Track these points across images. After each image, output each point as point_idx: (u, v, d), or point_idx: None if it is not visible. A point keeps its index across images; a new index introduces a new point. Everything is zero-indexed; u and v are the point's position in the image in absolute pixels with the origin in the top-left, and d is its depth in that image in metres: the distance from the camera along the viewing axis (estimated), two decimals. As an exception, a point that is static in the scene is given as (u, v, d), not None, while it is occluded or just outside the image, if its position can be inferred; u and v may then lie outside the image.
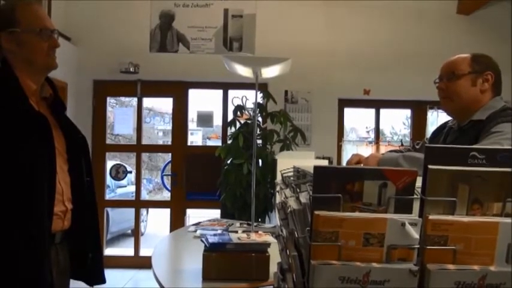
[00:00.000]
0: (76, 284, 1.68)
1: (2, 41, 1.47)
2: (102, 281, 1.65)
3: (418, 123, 5.36)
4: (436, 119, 5.12)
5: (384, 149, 5.29)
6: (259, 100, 4.37)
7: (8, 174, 1.36)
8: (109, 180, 5.72)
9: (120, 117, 5.63)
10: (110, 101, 5.73)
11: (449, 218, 0.73)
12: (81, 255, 1.59)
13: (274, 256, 1.53)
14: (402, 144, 5.21)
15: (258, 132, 4.28)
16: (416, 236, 0.71)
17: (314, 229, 0.73)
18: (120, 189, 6.73)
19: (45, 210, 1.41)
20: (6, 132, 1.38)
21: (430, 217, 0.73)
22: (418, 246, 0.72)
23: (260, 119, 4.57)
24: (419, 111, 5.34)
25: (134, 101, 5.53)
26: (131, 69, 5.02)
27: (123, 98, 6.73)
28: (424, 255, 0.73)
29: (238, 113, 4.39)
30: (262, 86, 4.57)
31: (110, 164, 5.67)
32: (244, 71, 2.84)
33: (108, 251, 5.57)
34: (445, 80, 1.81)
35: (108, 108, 5.50)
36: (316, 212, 0.73)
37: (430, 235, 0.73)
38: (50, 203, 1.43)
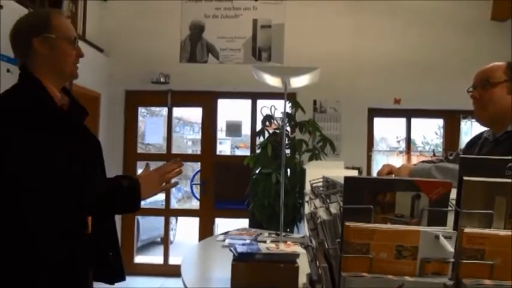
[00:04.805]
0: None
1: (35, 45, 1.49)
2: (123, 277, 1.67)
3: (450, 133, 5.24)
4: (470, 128, 4.98)
5: (415, 159, 5.18)
6: (288, 110, 4.37)
7: (49, 180, 1.37)
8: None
9: (151, 126, 5.73)
10: (141, 110, 5.84)
11: (486, 231, 0.71)
12: (101, 256, 1.61)
13: (303, 267, 1.52)
14: (434, 155, 5.08)
15: (287, 141, 4.28)
16: (451, 249, 0.69)
17: (345, 240, 0.72)
18: (150, 197, 6.81)
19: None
20: (50, 140, 1.41)
21: (466, 230, 0.71)
22: (453, 260, 0.70)
23: (289, 128, 4.57)
24: (452, 121, 5.21)
25: (164, 110, 5.62)
26: (162, 79, 5.11)
27: (153, 108, 6.84)
28: (459, 269, 0.70)
29: (267, 122, 4.40)
30: (290, 96, 4.56)
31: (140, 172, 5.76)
32: (273, 81, 2.84)
33: (138, 259, 5.65)
34: (479, 89, 1.77)
35: (139, 118, 5.61)
36: (347, 223, 0.72)
37: (465, 248, 0.70)
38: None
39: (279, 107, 4.40)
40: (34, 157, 1.36)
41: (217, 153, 5.65)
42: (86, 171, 1.50)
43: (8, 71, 3.02)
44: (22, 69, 1.53)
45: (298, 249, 1.94)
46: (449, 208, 0.74)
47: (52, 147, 1.39)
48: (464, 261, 0.70)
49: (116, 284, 1.80)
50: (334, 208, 0.88)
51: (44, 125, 1.41)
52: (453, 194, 0.75)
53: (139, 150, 5.62)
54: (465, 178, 0.73)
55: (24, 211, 1.38)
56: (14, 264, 1.39)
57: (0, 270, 1.40)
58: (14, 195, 1.37)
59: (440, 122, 5.56)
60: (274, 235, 2.89)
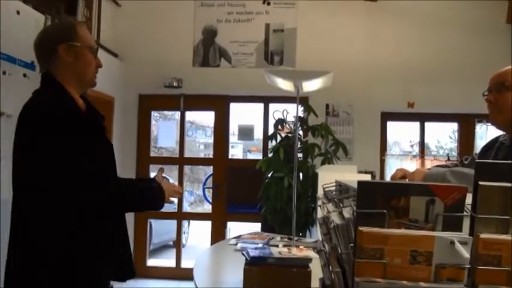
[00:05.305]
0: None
1: (60, 52, 1.57)
2: (133, 275, 1.71)
3: (465, 137, 5.18)
4: (485, 132, 4.92)
5: (429, 163, 5.13)
6: (300, 113, 4.37)
7: (69, 181, 1.44)
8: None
9: (164, 130, 5.76)
10: (154, 114, 5.88)
11: (503, 237, 0.70)
12: (113, 253, 1.64)
13: (316, 271, 1.51)
14: (449, 159, 5.03)
15: (299, 145, 4.27)
16: (467, 255, 0.68)
17: (358, 245, 0.72)
18: (162, 200, 6.83)
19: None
20: (80, 143, 1.48)
21: (482, 236, 0.70)
22: (468, 266, 0.69)
23: (301, 132, 4.56)
24: (466, 125, 5.15)
25: (177, 114, 5.65)
26: (175, 83, 5.15)
27: (166, 112, 6.88)
28: (475, 275, 0.69)
29: (279, 126, 4.40)
30: (303, 99, 4.56)
31: (153, 176, 5.79)
32: (285, 85, 2.84)
33: (151, 262, 5.67)
34: (494, 92, 1.74)
35: (152, 122, 5.65)
36: (360, 228, 0.72)
37: (481, 254, 0.69)
38: None
39: (291, 111, 4.40)
40: (58, 159, 1.43)
41: (230, 157, 5.66)
42: (106, 172, 1.59)
43: (24, 75, 3.07)
44: (45, 75, 1.60)
45: (311, 253, 1.93)
46: (465, 213, 0.73)
47: (76, 149, 1.46)
48: (481, 267, 0.69)
49: (129, 286, 1.82)
50: (347, 212, 0.87)
51: (70, 129, 1.47)
52: (469, 199, 0.74)
53: (152, 154, 5.65)
54: (481, 183, 0.72)
55: (41, 211, 1.44)
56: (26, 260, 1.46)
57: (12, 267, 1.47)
58: (31, 195, 1.45)
59: (454, 126, 5.50)
60: (286, 239, 2.88)
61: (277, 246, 2.50)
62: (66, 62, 1.58)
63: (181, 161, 5.51)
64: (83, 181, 1.44)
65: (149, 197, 1.62)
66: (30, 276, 1.46)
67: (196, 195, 11.16)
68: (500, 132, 1.85)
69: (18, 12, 3.11)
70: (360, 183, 0.76)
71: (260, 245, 2.58)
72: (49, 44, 1.59)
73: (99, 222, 1.53)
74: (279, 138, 4.37)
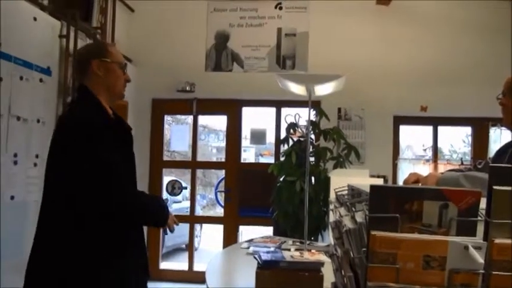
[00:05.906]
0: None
1: (93, 66, 1.73)
2: (148, 276, 1.79)
3: (479, 141, 5.12)
4: (499, 136, 4.86)
5: (442, 167, 5.08)
6: (312, 117, 4.36)
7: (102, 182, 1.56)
8: (165, 195, 5.86)
9: (177, 134, 5.80)
10: (167, 118, 5.92)
11: (517, 242, 0.69)
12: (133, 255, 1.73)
13: (328, 276, 1.51)
14: (462, 163, 4.97)
15: (311, 149, 4.26)
16: (481, 260, 0.68)
17: (370, 250, 0.72)
18: (175, 204, 6.88)
19: None
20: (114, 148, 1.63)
21: (496, 241, 0.69)
22: (483, 271, 0.69)
23: (313, 136, 4.55)
24: (480, 129, 5.09)
25: (190, 118, 5.69)
26: (187, 88, 5.18)
27: (179, 116, 6.93)
28: (490, 281, 0.69)
29: (291, 130, 4.40)
30: (315, 103, 4.55)
31: (166, 179, 5.83)
32: (297, 89, 2.85)
33: (163, 265, 5.69)
34: (508, 95, 1.73)
35: (165, 126, 5.68)
36: (373, 232, 0.72)
37: (496, 260, 0.69)
38: None
39: (303, 115, 4.39)
40: (93, 164, 1.55)
41: (242, 160, 5.67)
42: (130, 181, 1.73)
43: (40, 80, 3.12)
44: (81, 87, 1.76)
45: (323, 257, 1.93)
46: (479, 218, 0.73)
47: (110, 156, 1.59)
48: (495, 273, 0.69)
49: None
50: (359, 217, 0.87)
51: (105, 137, 1.60)
52: (482, 203, 0.73)
53: (165, 158, 5.68)
54: (495, 187, 0.72)
55: (70, 213, 1.56)
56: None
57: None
58: (63, 197, 1.57)
59: (468, 129, 5.44)
60: (298, 243, 2.88)
61: (289, 250, 2.49)
62: (98, 76, 1.74)
63: (193, 164, 5.53)
64: (114, 186, 1.56)
65: (160, 215, 1.77)
66: (53, 275, 1.52)
67: (208, 198, 11.18)
68: (515, 136, 1.83)
69: (35, 19, 3.16)
70: (372, 187, 0.76)
71: (272, 249, 2.57)
72: (84, 60, 1.78)
73: (121, 224, 1.61)
74: (291, 142, 4.37)
